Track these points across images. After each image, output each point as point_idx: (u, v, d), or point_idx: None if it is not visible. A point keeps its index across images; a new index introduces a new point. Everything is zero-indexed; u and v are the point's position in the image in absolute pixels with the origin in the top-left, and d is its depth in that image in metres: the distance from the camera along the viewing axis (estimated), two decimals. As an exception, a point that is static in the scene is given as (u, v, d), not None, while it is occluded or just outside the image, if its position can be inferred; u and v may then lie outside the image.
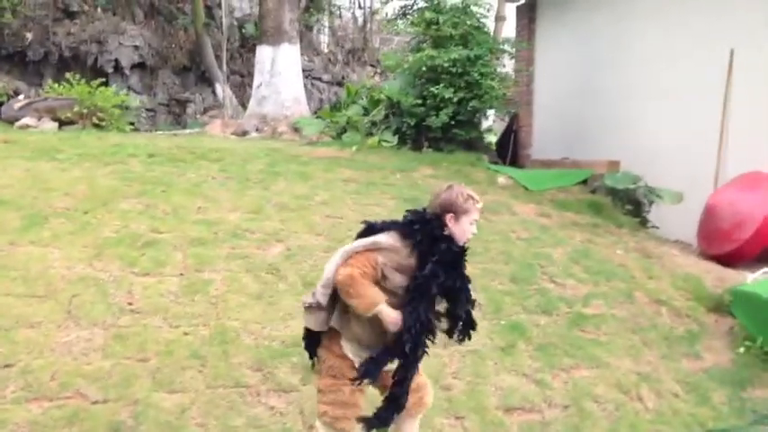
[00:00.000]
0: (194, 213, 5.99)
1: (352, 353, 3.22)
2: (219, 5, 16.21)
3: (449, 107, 8.93)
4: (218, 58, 15.74)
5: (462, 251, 3.18)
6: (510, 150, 11.43)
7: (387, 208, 6.63)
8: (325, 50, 19.19)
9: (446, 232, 3.13)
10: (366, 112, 10.38)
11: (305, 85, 17.65)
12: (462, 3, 9.38)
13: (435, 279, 3.06)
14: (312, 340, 3.34)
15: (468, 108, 8.97)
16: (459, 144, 9.29)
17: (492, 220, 6.62)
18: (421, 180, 7.64)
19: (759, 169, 6.75)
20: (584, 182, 8.02)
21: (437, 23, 9.25)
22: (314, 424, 3.45)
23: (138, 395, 4.02)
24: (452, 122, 9.04)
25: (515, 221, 6.65)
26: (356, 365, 3.17)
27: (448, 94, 8.79)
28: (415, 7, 9.78)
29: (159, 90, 15.35)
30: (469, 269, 5.88)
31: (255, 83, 13.48)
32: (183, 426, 3.89)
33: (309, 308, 3.22)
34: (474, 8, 9.57)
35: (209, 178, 6.85)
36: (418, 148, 9.18)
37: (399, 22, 9.96)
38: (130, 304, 4.70)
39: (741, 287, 5.61)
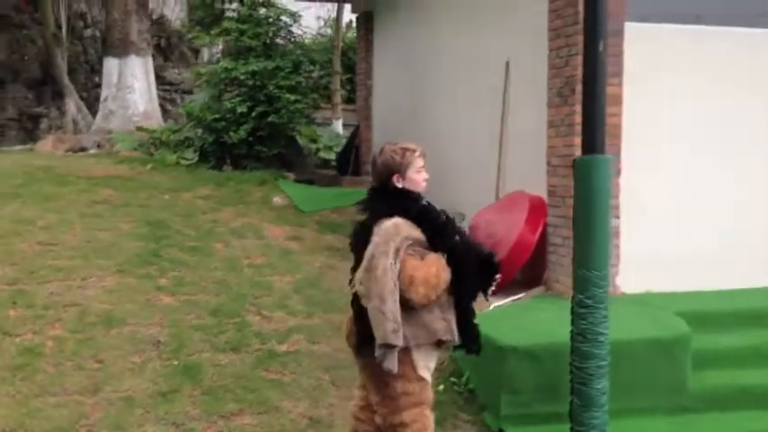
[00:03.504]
0: None
1: (424, 366, 3.07)
2: (79, 16, 15.52)
3: (248, 122, 8.44)
4: (72, 70, 15.04)
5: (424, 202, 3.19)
6: (351, 165, 11.03)
7: (118, 232, 6.10)
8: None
9: (411, 195, 3.16)
10: (182, 126, 9.85)
11: (173, 99, 17.05)
12: (268, 13, 8.92)
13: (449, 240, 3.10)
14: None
15: (268, 123, 8.49)
16: (265, 161, 8.81)
17: (231, 245, 6.12)
18: (187, 202, 7.11)
19: (527, 188, 6.37)
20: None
21: (240, 34, 8.77)
22: None
23: None
24: (253, 139, 8.55)
25: (257, 246, 6.15)
26: (429, 383, 3.10)
27: (242, 108, 8.30)
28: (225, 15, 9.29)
29: (9, 105, 14.57)
30: (171, 302, 5.38)
31: (102, 96, 12.86)
32: None
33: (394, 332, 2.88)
34: (285, 18, 9.14)
35: None
36: (220, 166, 8.67)
37: (210, 33, 9.38)
38: None
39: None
